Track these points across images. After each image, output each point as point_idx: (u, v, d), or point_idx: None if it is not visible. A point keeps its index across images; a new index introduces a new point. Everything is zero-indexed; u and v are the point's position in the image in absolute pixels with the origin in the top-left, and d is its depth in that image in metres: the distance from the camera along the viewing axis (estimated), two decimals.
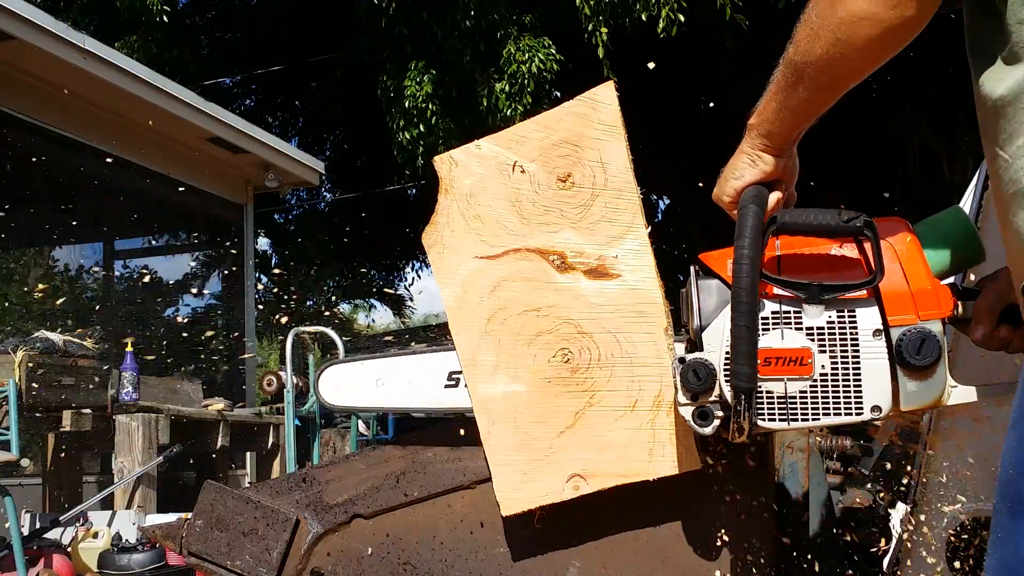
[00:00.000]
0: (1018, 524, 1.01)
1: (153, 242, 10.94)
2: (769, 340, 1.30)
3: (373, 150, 12.95)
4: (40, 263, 10.53)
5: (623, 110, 1.55)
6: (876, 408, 1.31)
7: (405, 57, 9.59)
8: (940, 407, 1.35)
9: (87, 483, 6.93)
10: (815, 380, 1.31)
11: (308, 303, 16.43)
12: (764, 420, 1.31)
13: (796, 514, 1.79)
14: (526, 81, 8.99)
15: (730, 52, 10.48)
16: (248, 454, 7.76)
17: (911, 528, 1.82)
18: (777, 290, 1.32)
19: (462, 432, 1.67)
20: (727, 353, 1.30)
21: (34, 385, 5.22)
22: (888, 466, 1.96)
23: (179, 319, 10.59)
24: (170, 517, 4.89)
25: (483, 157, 1.59)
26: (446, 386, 1.66)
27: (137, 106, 7.10)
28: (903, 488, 1.91)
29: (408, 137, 9.59)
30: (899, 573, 1.83)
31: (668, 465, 1.53)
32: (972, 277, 1.57)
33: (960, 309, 1.34)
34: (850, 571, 1.81)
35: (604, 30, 8.71)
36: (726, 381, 1.31)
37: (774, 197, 1.36)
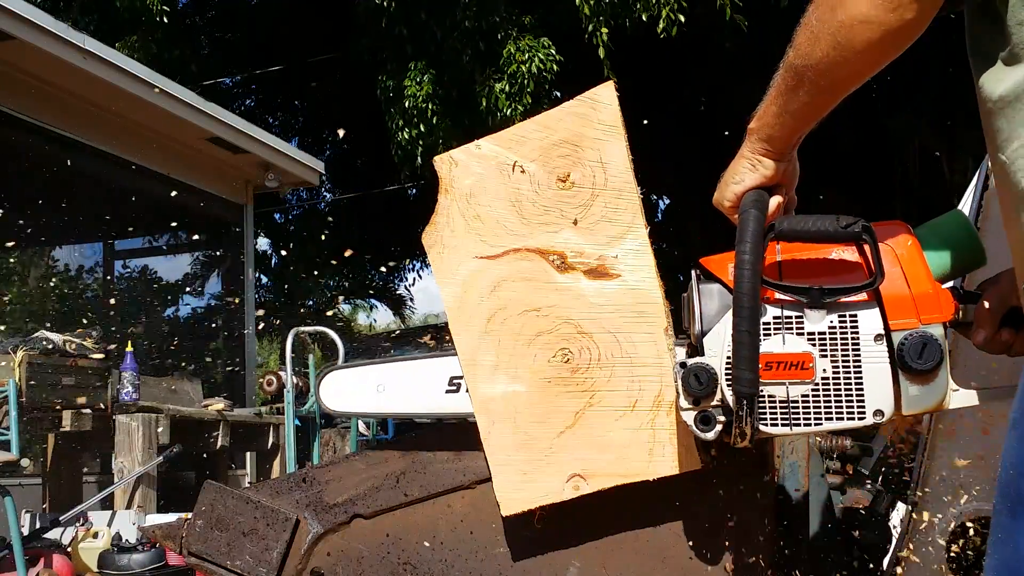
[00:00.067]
0: (1018, 524, 1.01)
1: (153, 242, 10.94)
2: (770, 345, 1.30)
3: (373, 150, 12.95)
4: (40, 263, 10.53)
5: (623, 110, 1.54)
6: (878, 412, 1.31)
7: (405, 57, 9.60)
8: (942, 411, 1.35)
9: (87, 483, 6.93)
10: (817, 384, 1.31)
11: (308, 303, 16.43)
12: (766, 425, 1.31)
13: (796, 514, 1.79)
14: (526, 81, 8.99)
15: (730, 52, 10.48)
16: (248, 454, 7.76)
17: (911, 528, 1.82)
18: (778, 295, 1.32)
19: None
20: (728, 358, 1.30)
21: (34, 385, 5.22)
22: (888, 466, 1.96)
23: (179, 319, 10.59)
24: (170, 517, 4.89)
25: (483, 157, 1.59)
26: (447, 391, 1.66)
27: (137, 106, 7.10)
28: (903, 488, 1.91)
29: (407, 137, 9.59)
30: (899, 573, 1.83)
31: (668, 465, 1.53)
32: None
33: (961, 312, 1.34)
34: (850, 571, 1.81)
35: (604, 30, 8.71)
36: (728, 386, 1.31)
37: (775, 201, 1.36)
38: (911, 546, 1.82)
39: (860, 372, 1.30)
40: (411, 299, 18.93)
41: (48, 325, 5.94)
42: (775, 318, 1.31)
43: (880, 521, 1.88)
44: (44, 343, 5.49)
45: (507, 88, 9.06)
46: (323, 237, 15.31)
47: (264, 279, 16.20)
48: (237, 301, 8.93)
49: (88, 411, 5.61)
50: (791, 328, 1.31)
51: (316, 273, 15.83)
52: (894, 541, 1.88)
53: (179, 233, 10.73)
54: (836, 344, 1.31)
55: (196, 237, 10.79)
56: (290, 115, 16.46)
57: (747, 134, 1.35)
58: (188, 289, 11.65)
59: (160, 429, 5.84)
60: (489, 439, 1.59)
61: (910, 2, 1.10)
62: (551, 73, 9.08)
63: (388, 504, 1.69)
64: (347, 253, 13.99)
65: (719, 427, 1.35)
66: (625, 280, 1.54)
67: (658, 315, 1.53)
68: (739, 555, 1.59)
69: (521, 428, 1.57)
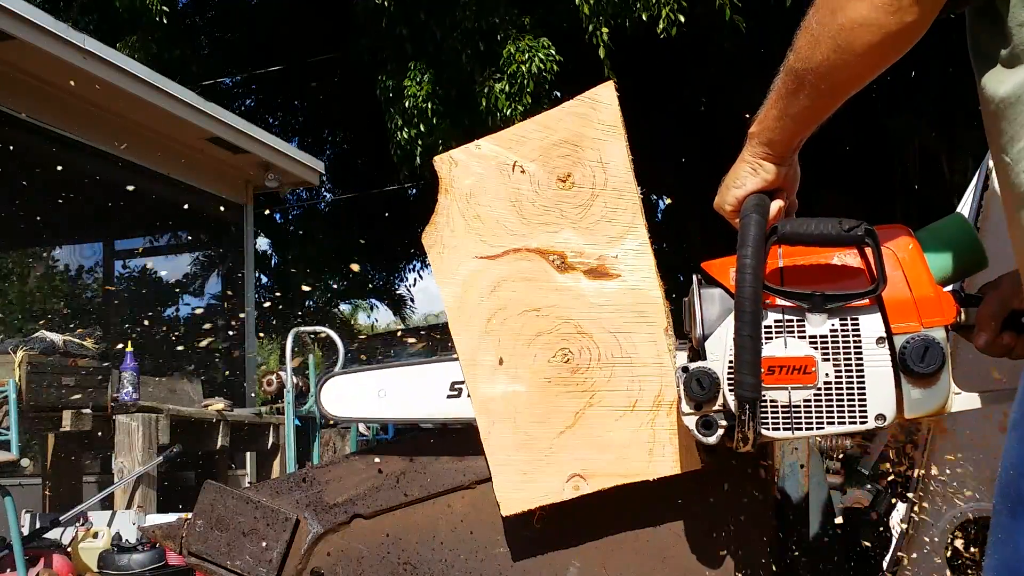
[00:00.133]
0: (1018, 524, 1.01)
1: (153, 242, 10.94)
2: (772, 349, 1.30)
3: (373, 150, 12.95)
4: (40, 263, 10.53)
5: (623, 110, 1.54)
6: (880, 416, 1.31)
7: (405, 57, 9.60)
8: (944, 414, 1.35)
9: (87, 483, 6.93)
10: (819, 389, 1.31)
11: (308, 303, 16.43)
12: (768, 429, 1.31)
13: (796, 514, 1.80)
14: (526, 81, 8.99)
15: (729, 53, 10.48)
16: (248, 454, 7.76)
17: (911, 528, 1.82)
18: (780, 300, 1.31)
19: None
20: (730, 362, 1.30)
21: (34, 385, 5.22)
22: (888, 466, 1.96)
23: (179, 319, 10.60)
24: (170, 517, 4.89)
25: (483, 157, 1.59)
26: (448, 396, 1.66)
27: (137, 106, 7.10)
28: (903, 488, 1.91)
29: (406, 137, 9.59)
30: (899, 573, 1.83)
31: (668, 465, 1.53)
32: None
33: (963, 316, 1.34)
34: (850, 571, 1.81)
35: (605, 30, 8.71)
36: (730, 390, 1.31)
37: (776, 205, 1.35)
38: (911, 546, 1.82)
39: (862, 376, 1.30)
40: (411, 299, 18.93)
41: (48, 325, 5.94)
42: (776, 322, 1.31)
43: (880, 521, 1.88)
44: (44, 343, 5.49)
45: (507, 88, 9.06)
46: (321, 235, 15.31)
47: (264, 279, 16.21)
48: (241, 298, 8.92)
49: (88, 411, 5.61)
50: (793, 332, 1.31)
51: (315, 273, 15.83)
52: (894, 541, 1.88)
53: (179, 233, 10.73)
54: (838, 348, 1.31)
55: (196, 237, 10.80)
56: (290, 115, 16.46)
57: (747, 138, 1.35)
58: (189, 289, 11.66)
59: (160, 429, 5.84)
60: (489, 439, 1.59)
61: (910, 5, 1.09)
62: (551, 73, 9.08)
63: (388, 504, 1.69)
64: (354, 268, 13.99)
65: (721, 431, 1.35)
66: (625, 280, 1.54)
67: (658, 315, 1.53)
68: (739, 555, 1.59)
69: (521, 428, 1.57)
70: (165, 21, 9.88)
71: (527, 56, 9.04)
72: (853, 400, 1.31)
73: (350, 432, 6.89)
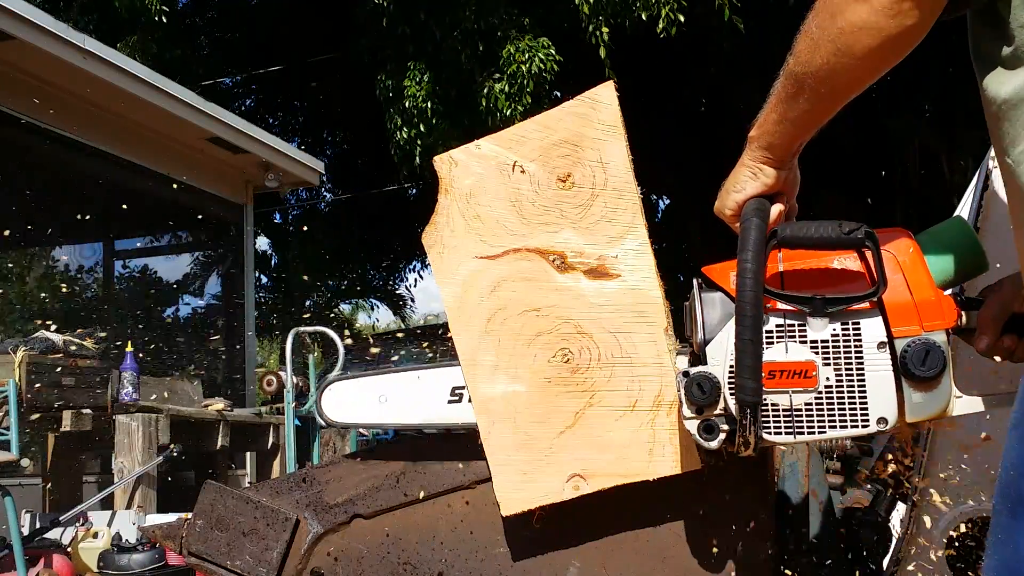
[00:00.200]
0: (1018, 525, 1.01)
1: (153, 242, 10.94)
2: (773, 353, 1.30)
3: (373, 150, 12.95)
4: (40, 263, 10.53)
5: (623, 110, 1.54)
6: (882, 420, 1.31)
7: (404, 57, 9.60)
8: (945, 418, 1.35)
9: (87, 483, 6.92)
10: (820, 393, 1.30)
11: (308, 303, 16.44)
12: (770, 433, 1.31)
13: (796, 514, 1.80)
14: (526, 81, 8.99)
15: (729, 53, 10.48)
16: (248, 454, 7.76)
17: (911, 528, 1.82)
18: (781, 304, 1.31)
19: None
20: (731, 367, 1.30)
21: (34, 385, 5.22)
22: (888, 466, 1.96)
23: (179, 319, 10.60)
24: (170, 517, 4.89)
25: (483, 157, 1.59)
26: (449, 401, 1.66)
27: (137, 106, 7.10)
28: (903, 488, 1.91)
29: (405, 136, 9.59)
30: (899, 573, 1.83)
31: (668, 465, 1.53)
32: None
33: (963, 319, 1.34)
34: (850, 571, 1.81)
35: (605, 29, 8.71)
36: (731, 395, 1.31)
37: (776, 210, 1.35)
38: (911, 546, 1.82)
39: (863, 380, 1.30)
40: (411, 299, 18.95)
41: (48, 325, 5.94)
42: (778, 326, 1.31)
43: (880, 521, 1.88)
44: (44, 343, 5.49)
45: (507, 88, 9.06)
46: (321, 235, 15.32)
47: (264, 279, 16.21)
48: (241, 299, 8.92)
49: (88, 411, 5.61)
50: (794, 336, 1.31)
51: (315, 273, 15.84)
52: (894, 541, 1.88)
53: (179, 233, 10.73)
54: (839, 352, 1.30)
55: (196, 237, 10.80)
56: (290, 115, 16.47)
57: (747, 142, 1.35)
58: (189, 289, 11.66)
59: (160, 429, 5.84)
60: (489, 439, 1.58)
61: (910, 8, 1.09)
62: (551, 73, 9.08)
63: (388, 504, 1.69)
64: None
65: (722, 436, 1.34)
66: (625, 280, 1.54)
67: (658, 315, 1.53)
68: (739, 555, 1.59)
69: (521, 428, 1.57)
70: (165, 20, 9.88)
71: (527, 56, 9.04)
72: (854, 404, 1.30)
73: (350, 432, 6.88)
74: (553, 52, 9.12)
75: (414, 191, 14.44)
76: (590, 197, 1.55)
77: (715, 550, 1.60)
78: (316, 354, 6.90)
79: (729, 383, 1.31)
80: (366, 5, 9.43)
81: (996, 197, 1.69)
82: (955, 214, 2.27)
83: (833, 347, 1.30)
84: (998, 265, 1.45)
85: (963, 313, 1.34)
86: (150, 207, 8.67)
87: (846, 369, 1.30)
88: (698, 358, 1.39)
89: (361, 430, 6.91)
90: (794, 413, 1.31)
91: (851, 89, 1.22)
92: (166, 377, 7.16)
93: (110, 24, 11.13)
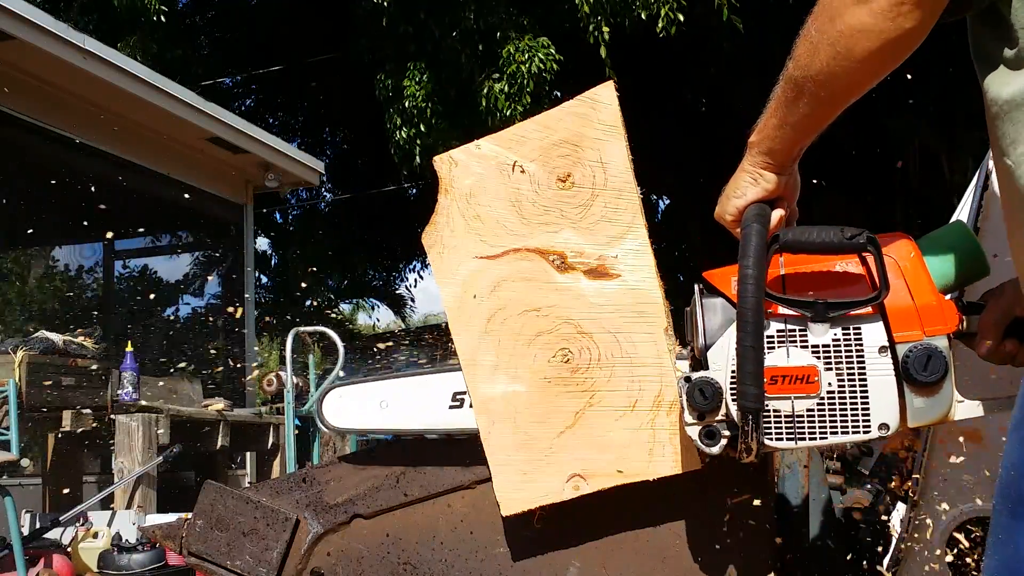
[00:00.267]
0: (1018, 525, 1.01)
1: (154, 242, 10.94)
2: (775, 358, 1.30)
3: (373, 150, 12.96)
4: (40, 263, 10.53)
5: (623, 110, 1.54)
6: (884, 426, 1.30)
7: (404, 57, 9.60)
8: (947, 423, 1.35)
9: (87, 483, 6.93)
10: (822, 398, 1.30)
11: (308, 303, 16.44)
12: (771, 439, 1.31)
13: (796, 514, 1.80)
14: (525, 81, 8.99)
15: (728, 53, 10.49)
16: (248, 454, 7.76)
17: (911, 528, 1.82)
18: (782, 309, 1.31)
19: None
20: (733, 372, 1.30)
21: (34, 385, 5.22)
22: (888, 466, 1.96)
23: (179, 319, 10.60)
24: (170, 517, 4.89)
25: (483, 157, 1.59)
26: (450, 407, 1.66)
27: (137, 106, 7.10)
28: (903, 488, 1.91)
29: (405, 136, 9.59)
30: (899, 573, 1.83)
31: (668, 465, 1.53)
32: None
33: (965, 323, 1.34)
34: (850, 571, 1.81)
35: (606, 29, 8.71)
36: (733, 401, 1.31)
37: (776, 215, 1.35)
38: (911, 546, 1.82)
39: (865, 385, 1.30)
40: (411, 299, 18.95)
41: (48, 325, 5.94)
42: (779, 331, 1.31)
43: (880, 521, 1.88)
44: (44, 343, 5.49)
45: (507, 88, 9.06)
46: (321, 235, 15.32)
47: (264, 279, 16.21)
48: (239, 309, 8.92)
49: (88, 411, 5.61)
50: (795, 341, 1.31)
51: (315, 273, 15.84)
52: (894, 541, 1.88)
53: (179, 233, 10.73)
54: (841, 357, 1.30)
55: (196, 237, 10.80)
56: (290, 115, 16.47)
57: (747, 147, 1.35)
58: (189, 289, 11.66)
59: (160, 429, 5.84)
60: (489, 439, 1.58)
61: (909, 11, 1.09)
62: (551, 73, 9.08)
63: (388, 504, 1.69)
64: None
65: (724, 441, 1.34)
66: (625, 280, 1.54)
67: (658, 315, 1.53)
68: (739, 555, 1.59)
69: (521, 428, 1.57)
70: (164, 20, 9.88)
71: (527, 56, 9.04)
72: (856, 410, 1.30)
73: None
74: (553, 52, 9.12)
75: (414, 191, 14.44)
76: (590, 197, 1.54)
77: (715, 550, 1.60)
78: (316, 354, 6.89)
79: (731, 389, 1.31)
80: (366, 5, 9.43)
81: (996, 197, 1.69)
82: (955, 215, 2.27)
83: (835, 352, 1.30)
84: (995, 256, 1.44)
85: (964, 317, 1.34)
86: (150, 207, 8.67)
87: (848, 374, 1.30)
88: (699, 363, 1.38)
89: None
90: (796, 419, 1.31)
91: (851, 93, 1.21)
92: (166, 377, 7.16)
93: (110, 24, 11.13)
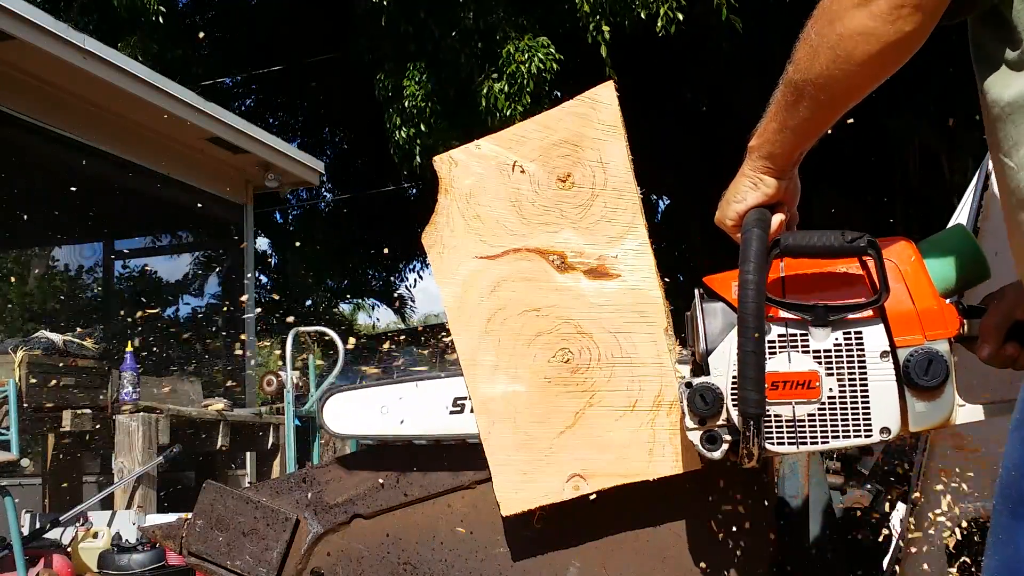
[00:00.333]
0: (1019, 525, 1.01)
1: (154, 242, 10.95)
2: (776, 364, 1.30)
3: (373, 150, 12.96)
4: (40, 263, 10.54)
5: (623, 110, 1.54)
6: (885, 430, 1.30)
7: (404, 56, 9.60)
8: (949, 427, 1.35)
9: (87, 483, 6.93)
10: (823, 403, 1.30)
11: (307, 303, 16.45)
12: (773, 444, 1.31)
13: (796, 514, 1.79)
14: (525, 81, 8.98)
15: (728, 52, 10.48)
16: (248, 454, 7.76)
17: (911, 528, 1.82)
18: (783, 313, 1.31)
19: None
20: (734, 378, 1.30)
21: (34, 385, 5.22)
22: (888, 466, 1.96)
23: (179, 319, 10.60)
24: (170, 517, 4.89)
25: (483, 157, 1.59)
26: (451, 412, 1.66)
27: (137, 106, 7.10)
28: (903, 488, 1.91)
29: (404, 136, 9.59)
30: (899, 573, 1.83)
31: (668, 465, 1.53)
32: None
33: (966, 327, 1.34)
34: (850, 571, 1.81)
35: (606, 28, 8.71)
36: (734, 406, 1.31)
37: (777, 219, 1.35)
38: (911, 546, 1.82)
39: (866, 390, 1.30)
40: (411, 299, 18.95)
41: (48, 325, 5.94)
42: (780, 336, 1.31)
43: (880, 521, 1.88)
44: (44, 343, 5.49)
45: (506, 88, 9.06)
46: (321, 235, 15.32)
47: (264, 279, 16.22)
48: (240, 303, 8.92)
49: (88, 411, 5.61)
50: (796, 346, 1.30)
51: (316, 273, 15.84)
52: (894, 541, 1.88)
53: (179, 233, 10.73)
54: (842, 362, 1.30)
55: (196, 237, 10.80)
56: (290, 115, 16.47)
57: (747, 152, 1.35)
58: (189, 289, 11.67)
59: (160, 429, 5.84)
60: (489, 439, 1.58)
61: (909, 14, 1.09)
62: (551, 73, 9.08)
63: (388, 504, 1.69)
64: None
65: (725, 446, 1.34)
66: (625, 280, 1.54)
67: (658, 315, 1.53)
68: (739, 555, 1.59)
69: (521, 428, 1.57)
70: (162, 21, 9.88)
71: (526, 56, 9.04)
72: (857, 414, 1.30)
73: None
74: (553, 52, 9.12)
75: (414, 191, 14.44)
76: (590, 197, 1.54)
77: (715, 550, 1.60)
78: (316, 354, 6.89)
79: (732, 394, 1.31)
80: (365, 4, 9.43)
81: (996, 198, 1.69)
82: (955, 215, 2.27)
83: (836, 357, 1.30)
84: (996, 253, 1.44)
85: (965, 321, 1.34)
86: (150, 207, 8.67)
87: (849, 379, 1.30)
88: (700, 368, 1.38)
89: None
90: (797, 424, 1.30)
91: (851, 96, 1.21)
92: (166, 377, 7.16)
93: (110, 24, 11.13)
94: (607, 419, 1.54)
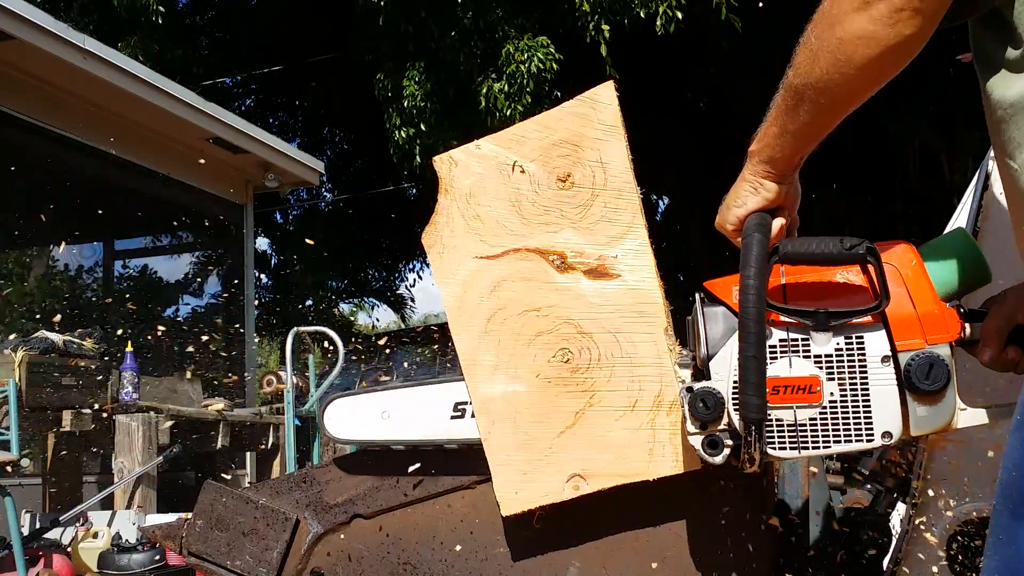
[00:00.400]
0: (1019, 525, 1.01)
1: (154, 242, 10.95)
2: (777, 368, 1.30)
3: (373, 150, 12.96)
4: (40, 263, 10.53)
5: (622, 110, 1.54)
6: (887, 434, 1.30)
7: (403, 56, 9.60)
8: (950, 431, 1.34)
9: (87, 483, 6.93)
10: (824, 408, 1.30)
11: (308, 303, 16.45)
12: (774, 449, 1.31)
13: (796, 515, 1.79)
14: (525, 81, 8.98)
15: (727, 52, 10.48)
16: (248, 454, 7.76)
17: (911, 528, 1.82)
18: (784, 318, 1.31)
19: None
20: (735, 382, 1.29)
21: (34, 385, 5.22)
22: (888, 466, 1.95)
23: (179, 319, 10.60)
24: (170, 517, 4.89)
25: (483, 157, 1.59)
26: (452, 417, 1.66)
27: (137, 106, 7.09)
28: (903, 488, 1.91)
29: (404, 136, 9.59)
30: (899, 573, 1.83)
31: (668, 465, 1.53)
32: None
33: (967, 331, 1.34)
34: (850, 571, 1.81)
35: (606, 27, 8.70)
36: (735, 410, 1.30)
37: (777, 224, 1.35)
38: (911, 546, 1.82)
39: (867, 394, 1.30)
40: (411, 299, 18.94)
41: (48, 325, 5.94)
42: (781, 341, 1.31)
43: (880, 521, 1.88)
44: (44, 343, 5.49)
45: (506, 88, 9.05)
46: (321, 235, 15.32)
47: (264, 279, 16.22)
48: (241, 298, 8.92)
49: (88, 411, 5.62)
50: (797, 351, 1.30)
51: (316, 273, 15.84)
52: (894, 541, 1.88)
53: (179, 233, 10.73)
54: (843, 367, 1.30)
55: (196, 237, 10.80)
56: (290, 115, 16.47)
57: (748, 157, 1.34)
58: (189, 289, 11.67)
59: (160, 429, 5.84)
60: (489, 439, 1.58)
61: (909, 18, 1.09)
62: (551, 73, 9.07)
63: (388, 504, 1.69)
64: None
65: (727, 451, 1.34)
66: (625, 280, 1.54)
67: (658, 315, 1.53)
68: (739, 555, 1.59)
69: (521, 428, 1.57)
70: (161, 21, 9.88)
71: (526, 56, 9.04)
72: (859, 419, 1.30)
73: None
74: (553, 51, 9.12)
75: (414, 191, 14.44)
76: (590, 197, 1.54)
77: (715, 550, 1.60)
78: (316, 354, 6.89)
79: (733, 399, 1.31)
80: (365, 4, 9.42)
81: (996, 198, 1.69)
82: (955, 215, 2.27)
83: (837, 361, 1.30)
84: (997, 254, 1.44)
85: (966, 325, 1.34)
86: (150, 207, 8.67)
87: (850, 383, 1.30)
88: (701, 372, 1.38)
89: None
90: (799, 428, 1.30)
91: (851, 100, 1.21)
92: (166, 377, 7.16)
93: (110, 24, 11.13)
94: (607, 419, 1.54)
